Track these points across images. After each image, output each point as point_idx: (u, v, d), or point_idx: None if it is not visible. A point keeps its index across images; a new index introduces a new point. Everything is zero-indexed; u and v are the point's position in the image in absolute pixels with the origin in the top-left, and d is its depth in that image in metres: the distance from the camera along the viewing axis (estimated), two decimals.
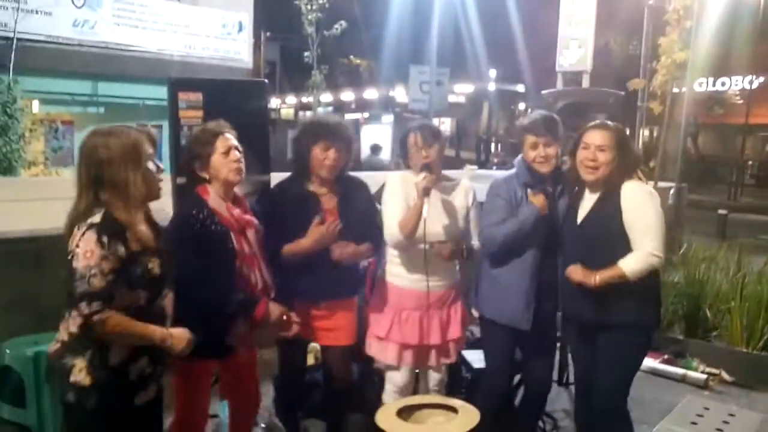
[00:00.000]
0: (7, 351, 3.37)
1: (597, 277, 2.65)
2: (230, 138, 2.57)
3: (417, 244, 2.82)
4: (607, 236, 2.71)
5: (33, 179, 10.97)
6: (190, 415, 2.63)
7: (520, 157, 3.02)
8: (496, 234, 2.84)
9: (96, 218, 1.96)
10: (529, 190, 2.86)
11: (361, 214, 2.88)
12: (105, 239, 1.92)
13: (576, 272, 2.70)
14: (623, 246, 2.68)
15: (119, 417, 2.06)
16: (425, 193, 2.70)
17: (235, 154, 2.54)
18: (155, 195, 2.12)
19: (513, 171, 3.02)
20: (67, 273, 1.94)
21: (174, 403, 2.59)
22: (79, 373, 2.01)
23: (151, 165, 2.06)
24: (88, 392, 2.01)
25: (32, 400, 3.30)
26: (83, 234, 1.94)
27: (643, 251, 2.64)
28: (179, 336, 2.11)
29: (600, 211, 2.75)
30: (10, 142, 11.39)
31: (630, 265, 2.64)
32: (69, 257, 1.95)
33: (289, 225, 2.73)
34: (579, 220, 2.81)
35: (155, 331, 2.05)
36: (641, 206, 2.68)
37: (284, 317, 2.60)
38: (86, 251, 1.91)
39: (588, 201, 2.81)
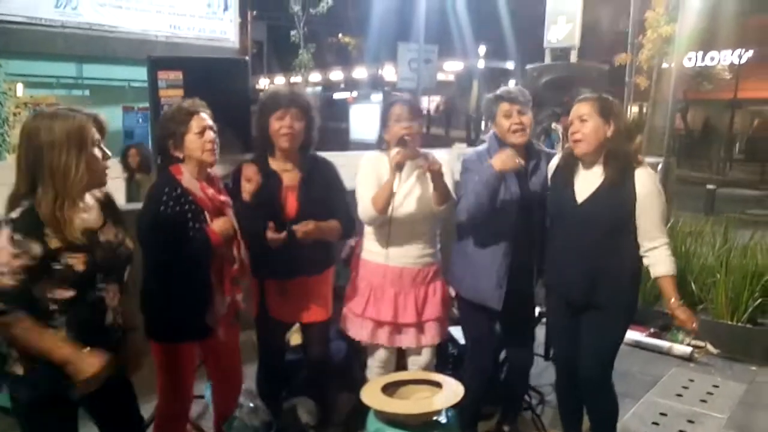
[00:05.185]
0: None
1: (678, 302, 2.70)
2: (205, 118, 2.51)
3: (391, 221, 2.80)
4: (614, 218, 2.70)
5: None
6: (174, 398, 2.62)
7: (491, 132, 2.99)
8: (464, 204, 2.80)
9: (15, 213, 1.86)
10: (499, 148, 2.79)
11: (325, 193, 2.83)
12: (19, 237, 1.81)
13: (683, 319, 2.73)
14: (627, 229, 2.70)
15: (58, 411, 1.96)
16: (397, 168, 2.68)
17: (210, 135, 2.49)
18: (99, 182, 2.00)
19: (484, 146, 2.98)
20: None
21: (158, 385, 2.59)
22: (14, 363, 1.92)
23: (97, 151, 1.94)
24: (21, 383, 1.92)
25: None
26: (1, 229, 1.84)
27: (661, 247, 2.69)
28: (87, 362, 1.86)
29: (609, 193, 2.69)
30: None
31: (668, 266, 2.70)
32: None
33: (251, 205, 2.67)
34: (579, 198, 2.75)
35: (60, 349, 1.85)
36: (656, 196, 2.69)
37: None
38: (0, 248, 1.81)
39: (590, 180, 2.75)
